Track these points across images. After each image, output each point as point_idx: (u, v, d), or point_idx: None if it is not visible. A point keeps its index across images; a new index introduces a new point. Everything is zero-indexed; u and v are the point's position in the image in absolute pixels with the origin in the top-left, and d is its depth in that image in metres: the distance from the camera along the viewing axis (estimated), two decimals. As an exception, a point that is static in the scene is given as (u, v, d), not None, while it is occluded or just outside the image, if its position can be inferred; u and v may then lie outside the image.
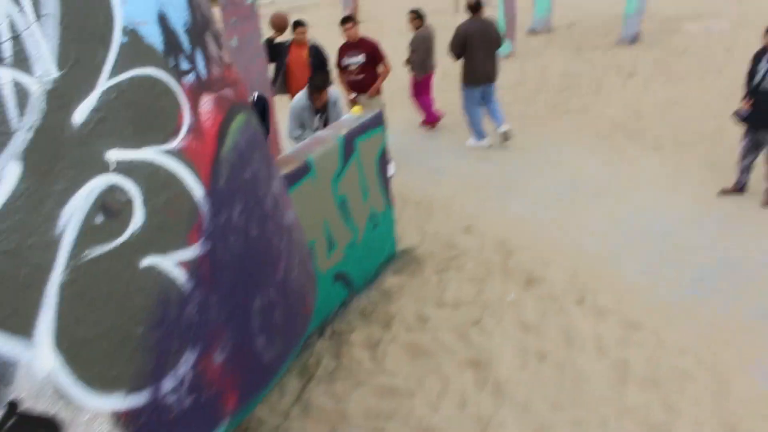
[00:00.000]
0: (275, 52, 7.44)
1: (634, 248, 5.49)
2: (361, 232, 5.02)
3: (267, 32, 6.40)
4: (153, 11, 1.87)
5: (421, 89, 8.94)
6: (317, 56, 7.52)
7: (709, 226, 5.71)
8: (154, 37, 1.84)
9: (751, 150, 6.05)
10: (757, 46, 5.94)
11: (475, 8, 7.85)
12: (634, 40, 12.39)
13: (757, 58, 5.85)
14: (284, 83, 7.59)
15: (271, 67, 7.20)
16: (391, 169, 5.55)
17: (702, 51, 11.38)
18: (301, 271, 2.32)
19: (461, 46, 7.84)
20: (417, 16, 8.45)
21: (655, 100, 9.16)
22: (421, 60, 8.47)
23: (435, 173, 7.58)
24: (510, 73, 11.60)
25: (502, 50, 12.45)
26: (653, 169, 7.01)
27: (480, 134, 8.20)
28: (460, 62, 8.07)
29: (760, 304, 4.60)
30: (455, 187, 7.16)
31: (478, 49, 7.80)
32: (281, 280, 2.13)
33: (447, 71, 11.21)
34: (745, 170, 6.17)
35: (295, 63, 7.45)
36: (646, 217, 5.99)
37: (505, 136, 8.17)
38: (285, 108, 7.88)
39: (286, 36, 7.57)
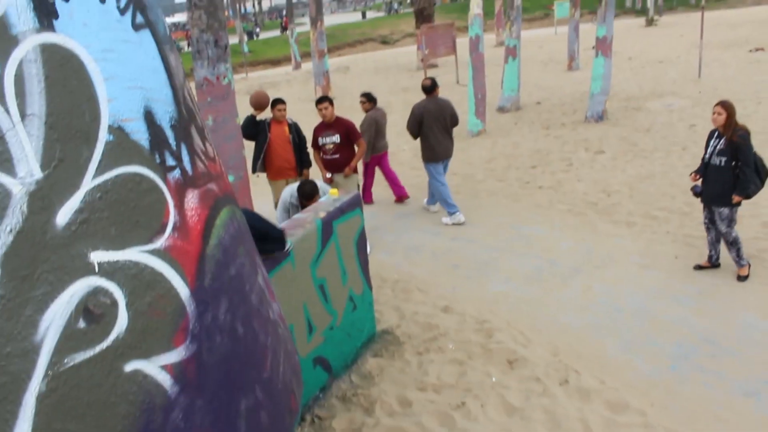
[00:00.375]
0: (257, 129, 7.50)
1: (613, 324, 5.48)
2: (340, 314, 4.95)
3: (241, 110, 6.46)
4: (139, 107, 1.85)
5: (370, 170, 9.12)
6: (297, 133, 7.62)
7: (686, 302, 5.73)
8: (140, 133, 1.82)
9: (710, 224, 6.16)
10: (715, 124, 6.14)
11: (429, 89, 8.16)
12: (600, 118, 12.78)
13: (711, 136, 6.03)
14: (263, 161, 7.61)
15: (249, 145, 7.22)
16: (367, 249, 5.53)
17: (665, 129, 11.75)
18: (287, 366, 2.25)
19: (417, 124, 8.13)
20: (367, 100, 8.79)
21: (625, 176, 9.36)
22: (369, 142, 8.61)
23: (411, 251, 7.57)
24: (481, 149, 11.82)
25: (473, 128, 12.83)
26: (626, 245, 7.08)
27: (452, 207, 8.26)
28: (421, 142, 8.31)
29: (743, 381, 4.58)
30: (432, 265, 7.14)
31: (434, 127, 8.10)
32: (268, 378, 2.06)
33: (418, 151, 11.36)
34: (712, 244, 6.23)
35: (277, 140, 7.52)
36: (622, 293, 6.01)
37: (428, 209, 8.89)
38: (265, 185, 7.94)
39: (266, 114, 7.65)
